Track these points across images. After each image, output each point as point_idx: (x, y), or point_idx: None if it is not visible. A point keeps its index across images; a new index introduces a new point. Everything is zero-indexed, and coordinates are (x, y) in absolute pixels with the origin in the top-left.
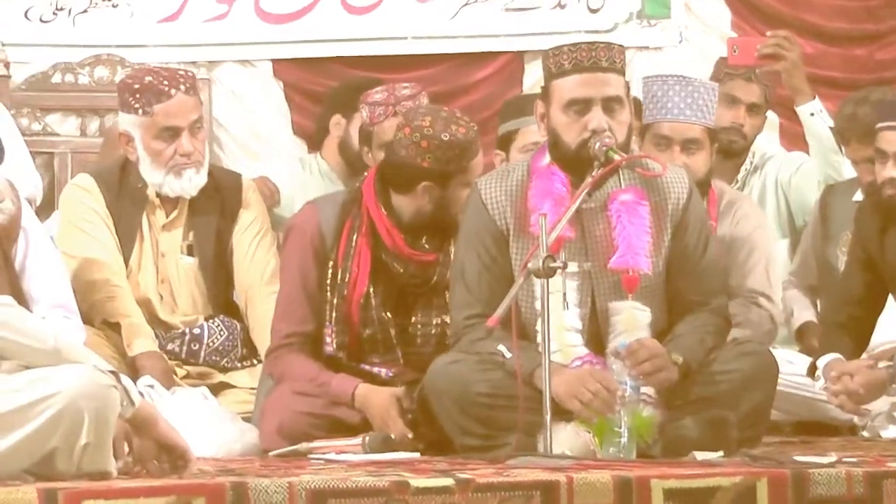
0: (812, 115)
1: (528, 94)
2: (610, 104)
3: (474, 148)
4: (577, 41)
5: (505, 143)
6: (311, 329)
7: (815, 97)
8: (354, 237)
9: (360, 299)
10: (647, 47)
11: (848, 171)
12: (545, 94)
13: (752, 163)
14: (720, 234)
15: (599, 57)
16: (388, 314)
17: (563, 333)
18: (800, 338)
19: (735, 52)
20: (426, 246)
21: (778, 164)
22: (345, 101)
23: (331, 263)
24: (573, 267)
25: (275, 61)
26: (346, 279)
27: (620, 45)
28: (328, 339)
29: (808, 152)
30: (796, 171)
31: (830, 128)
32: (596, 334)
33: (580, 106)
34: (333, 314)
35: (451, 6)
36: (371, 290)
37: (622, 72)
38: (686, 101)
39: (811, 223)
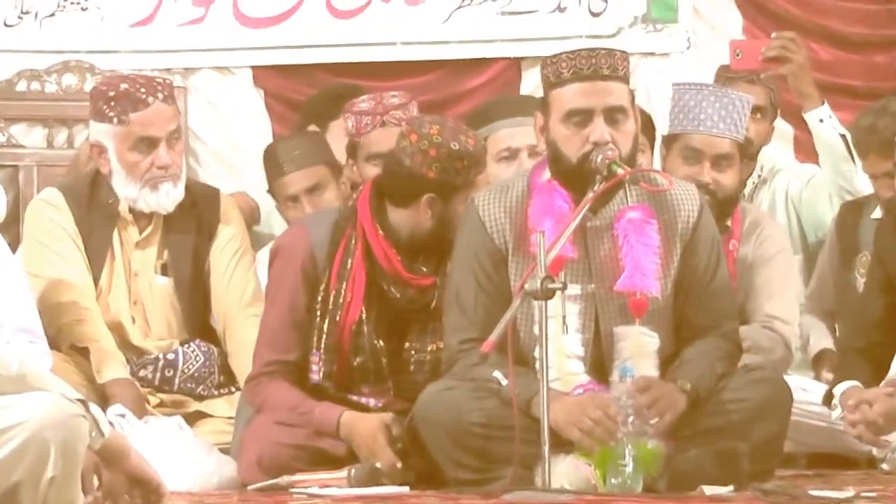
0: (821, 121)
1: (494, 98)
2: (613, 114)
3: (482, 162)
4: (576, 48)
5: None
6: (296, 357)
7: (823, 102)
8: (349, 260)
9: (353, 326)
10: (652, 53)
11: (861, 182)
12: (544, 104)
13: (759, 175)
14: (742, 254)
15: (600, 64)
16: (381, 342)
17: (563, 360)
18: (816, 366)
19: (738, 55)
20: (423, 269)
21: (787, 177)
22: (320, 110)
23: (322, 287)
24: (576, 289)
25: (255, 68)
26: (339, 303)
27: (623, 52)
28: (314, 368)
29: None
30: (807, 184)
31: (842, 135)
32: (599, 361)
33: (581, 117)
34: (323, 341)
35: (444, 10)
36: (364, 315)
37: (626, 80)
38: (720, 114)
39: (827, 244)
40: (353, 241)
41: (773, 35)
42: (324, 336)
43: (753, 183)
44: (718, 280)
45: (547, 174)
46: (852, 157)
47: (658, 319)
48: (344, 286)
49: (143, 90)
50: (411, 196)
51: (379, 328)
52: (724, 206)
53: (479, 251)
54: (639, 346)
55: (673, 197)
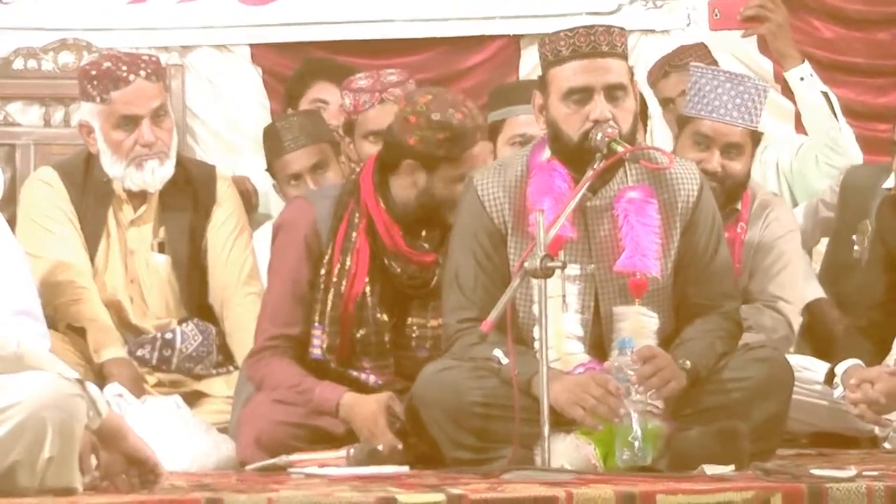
0: (802, 79)
1: (516, 81)
2: (612, 92)
3: (468, 138)
4: (574, 25)
5: (492, 134)
6: (298, 332)
7: (803, 61)
8: (353, 233)
9: (357, 297)
10: (652, 30)
11: (845, 139)
12: (542, 84)
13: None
14: (749, 237)
15: (599, 41)
16: (384, 316)
17: (562, 340)
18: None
19: (716, 15)
20: (425, 245)
21: (777, 150)
22: (291, 91)
23: (326, 260)
24: (575, 269)
25: (253, 46)
26: (344, 275)
27: (621, 28)
28: (316, 342)
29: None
30: (796, 154)
31: (824, 93)
32: (599, 341)
33: (580, 95)
34: (326, 313)
35: None
36: (368, 288)
37: (624, 56)
38: (735, 102)
39: (834, 212)
40: (357, 215)
41: None
42: (327, 308)
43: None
44: (719, 259)
45: (546, 153)
46: (835, 114)
47: (658, 300)
48: (348, 259)
49: (124, 68)
50: (395, 162)
51: (382, 302)
52: (732, 191)
53: (478, 231)
54: (638, 326)
55: (673, 176)
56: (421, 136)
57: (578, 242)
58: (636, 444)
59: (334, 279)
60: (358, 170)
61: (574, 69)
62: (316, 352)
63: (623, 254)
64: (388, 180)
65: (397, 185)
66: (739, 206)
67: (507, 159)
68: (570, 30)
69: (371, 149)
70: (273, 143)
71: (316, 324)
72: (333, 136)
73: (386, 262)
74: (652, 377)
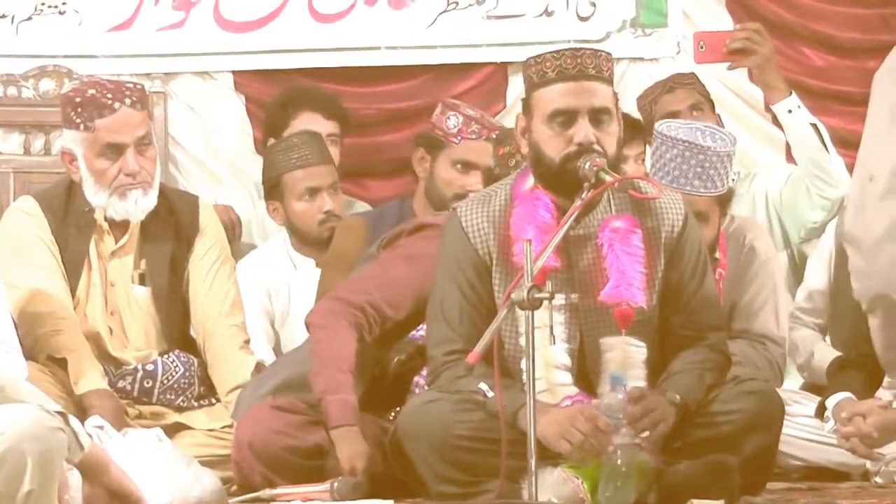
0: (790, 111)
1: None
2: (597, 115)
3: None
4: (578, 48)
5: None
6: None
7: (791, 93)
8: None
9: None
10: (641, 58)
11: (836, 170)
12: (526, 106)
13: (734, 180)
14: (729, 273)
15: (585, 64)
16: None
17: (551, 371)
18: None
19: (702, 48)
20: None
21: (765, 179)
22: (273, 121)
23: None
24: (560, 299)
25: (236, 73)
26: None
27: (608, 53)
28: None
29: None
30: (785, 183)
31: (812, 124)
32: (584, 372)
33: (565, 117)
34: None
35: (429, 13)
36: None
37: (610, 81)
38: (696, 171)
39: (825, 247)
40: None
41: (736, 27)
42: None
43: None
44: (704, 290)
45: (530, 181)
46: (825, 146)
47: (644, 330)
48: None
49: (109, 95)
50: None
51: None
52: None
53: (462, 262)
54: (626, 357)
55: (658, 206)
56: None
57: (562, 272)
58: (619, 482)
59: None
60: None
61: (559, 91)
62: None
63: (608, 284)
64: None
65: None
66: (717, 255)
67: (490, 189)
68: (557, 52)
69: (455, 175)
70: (283, 157)
71: None
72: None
73: None
74: (643, 418)
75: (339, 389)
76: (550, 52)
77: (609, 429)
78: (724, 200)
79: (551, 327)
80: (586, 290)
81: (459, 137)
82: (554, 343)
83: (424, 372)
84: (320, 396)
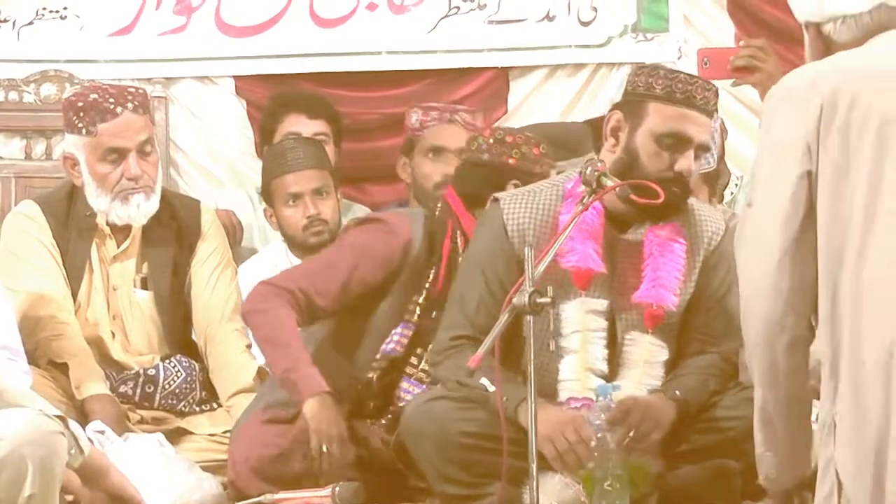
0: None
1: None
2: (700, 151)
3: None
4: (692, 76)
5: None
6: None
7: None
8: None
9: None
10: (643, 63)
11: None
12: (635, 109)
13: (737, 185)
14: None
15: (709, 98)
16: None
17: (587, 375)
18: None
19: (706, 64)
20: None
21: None
22: (266, 126)
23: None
24: (603, 304)
25: (237, 78)
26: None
27: (716, 87)
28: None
29: None
30: None
31: None
32: (614, 377)
33: (676, 141)
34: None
35: (430, 18)
36: None
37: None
38: None
39: None
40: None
41: (741, 43)
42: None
43: (732, 193)
44: (727, 301)
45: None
46: None
47: (670, 334)
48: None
49: (112, 100)
50: (495, 187)
51: None
52: None
53: (495, 253)
54: (648, 354)
55: (700, 217)
56: (520, 153)
57: (606, 277)
58: (610, 492)
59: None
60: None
61: (681, 115)
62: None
63: (642, 285)
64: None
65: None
66: None
67: (537, 186)
68: (691, 77)
69: (430, 166)
70: (275, 161)
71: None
72: (333, 168)
73: None
74: (633, 431)
75: (298, 365)
76: (684, 73)
77: (590, 441)
78: (712, 179)
79: (552, 331)
80: (623, 293)
81: (423, 129)
82: (591, 346)
83: (405, 384)
84: (283, 377)
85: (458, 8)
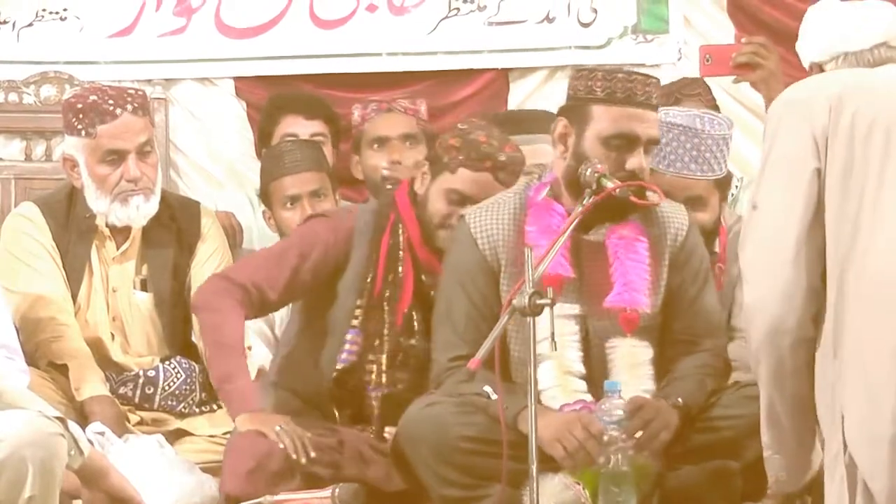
0: None
1: (529, 113)
2: (649, 146)
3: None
4: (630, 72)
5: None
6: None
7: None
8: (399, 249)
9: (405, 312)
10: (643, 64)
11: None
12: (579, 114)
13: (738, 187)
14: (729, 273)
15: (650, 93)
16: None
17: (568, 379)
18: None
19: (708, 61)
20: None
21: None
22: (263, 129)
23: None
24: (574, 308)
25: (237, 79)
26: (398, 287)
27: (657, 79)
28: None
29: None
30: None
31: None
32: (591, 378)
33: (624, 142)
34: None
35: (430, 20)
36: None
37: (657, 108)
38: (692, 154)
39: None
40: (399, 228)
41: (742, 40)
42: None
43: (733, 195)
44: (704, 298)
45: (545, 192)
46: None
47: (649, 335)
48: (400, 269)
49: (111, 102)
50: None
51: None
52: (704, 238)
53: (470, 267)
54: (631, 356)
55: (662, 214)
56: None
57: (574, 281)
58: (617, 490)
59: (386, 293)
60: (391, 188)
61: (625, 115)
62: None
63: (612, 290)
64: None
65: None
66: (717, 249)
67: (500, 196)
68: (628, 74)
69: (376, 157)
70: (273, 164)
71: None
72: (331, 170)
73: (423, 278)
74: (643, 429)
75: (234, 377)
76: (622, 72)
77: (601, 437)
78: (723, 185)
79: (552, 333)
80: (594, 297)
81: (364, 122)
82: (556, 349)
83: (372, 393)
84: (218, 386)
85: (457, 9)
